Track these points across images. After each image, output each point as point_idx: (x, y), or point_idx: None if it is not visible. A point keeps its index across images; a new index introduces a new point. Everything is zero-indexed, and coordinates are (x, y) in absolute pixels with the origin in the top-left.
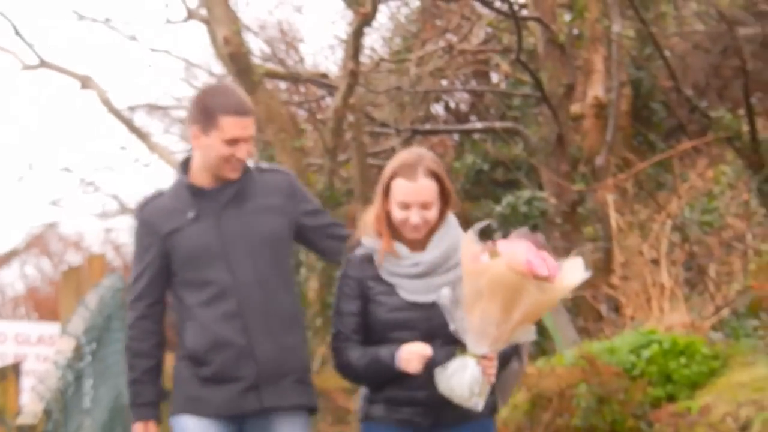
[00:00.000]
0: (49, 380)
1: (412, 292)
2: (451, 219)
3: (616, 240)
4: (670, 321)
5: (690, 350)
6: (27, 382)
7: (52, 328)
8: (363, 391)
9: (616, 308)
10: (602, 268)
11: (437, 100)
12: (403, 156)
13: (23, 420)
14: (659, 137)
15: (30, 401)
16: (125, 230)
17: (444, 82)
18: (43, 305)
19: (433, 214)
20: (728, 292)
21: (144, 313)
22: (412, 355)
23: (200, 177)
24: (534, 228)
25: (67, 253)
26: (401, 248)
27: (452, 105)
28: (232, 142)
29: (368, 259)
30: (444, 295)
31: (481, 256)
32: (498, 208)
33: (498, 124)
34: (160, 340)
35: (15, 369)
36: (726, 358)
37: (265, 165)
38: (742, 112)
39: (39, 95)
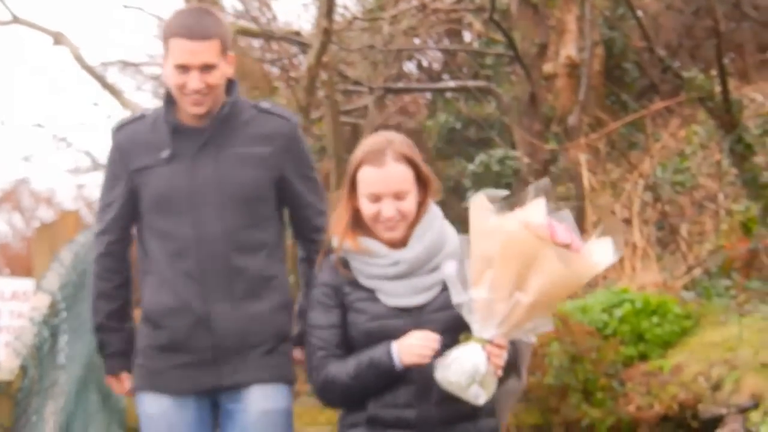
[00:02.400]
0: (25, 336)
1: (394, 295)
2: (434, 210)
3: (589, 199)
4: (643, 280)
5: (662, 310)
6: (1, 338)
7: (26, 284)
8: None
9: None
10: (575, 227)
11: (410, 58)
12: (368, 142)
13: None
14: (632, 97)
15: (6, 357)
16: (97, 187)
17: (417, 41)
18: (14, 261)
19: (409, 204)
20: (700, 251)
21: (108, 249)
22: (414, 345)
23: (182, 112)
24: (507, 187)
25: (39, 209)
26: (376, 245)
27: (425, 64)
28: (182, 68)
29: (343, 263)
30: (449, 267)
31: (492, 217)
32: (471, 167)
33: (471, 83)
34: (125, 280)
35: None
36: (698, 318)
37: (267, 105)
38: (714, 72)
39: (11, 51)
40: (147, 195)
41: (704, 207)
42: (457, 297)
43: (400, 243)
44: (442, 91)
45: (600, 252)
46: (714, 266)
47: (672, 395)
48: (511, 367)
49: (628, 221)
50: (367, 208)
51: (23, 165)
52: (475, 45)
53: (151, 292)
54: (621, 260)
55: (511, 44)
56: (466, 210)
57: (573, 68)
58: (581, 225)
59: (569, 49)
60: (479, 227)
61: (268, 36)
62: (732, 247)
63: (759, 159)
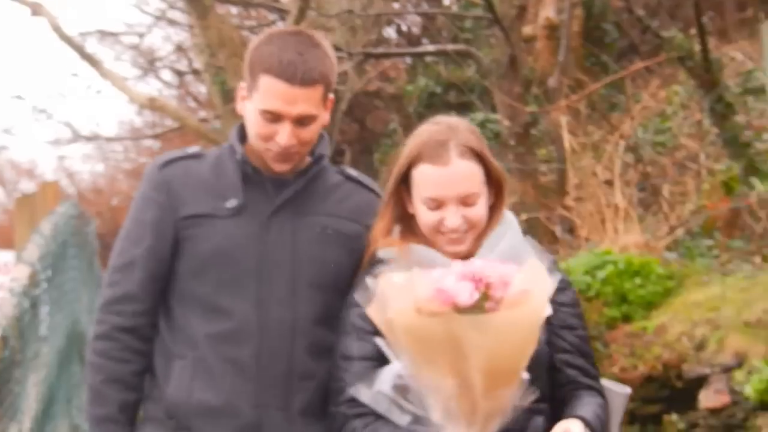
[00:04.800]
0: (5, 308)
1: None
2: (508, 216)
3: (570, 161)
4: (625, 241)
5: (645, 270)
6: None
7: (6, 256)
8: None
9: (571, 229)
10: (556, 189)
11: (389, 23)
12: (424, 130)
13: None
14: (611, 58)
15: None
16: (78, 158)
17: (396, 5)
18: None
19: (479, 211)
20: (682, 212)
21: (133, 322)
22: None
23: (256, 157)
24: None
25: (20, 182)
26: (435, 256)
27: (404, 28)
28: (271, 116)
29: None
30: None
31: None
32: None
33: (450, 47)
34: (146, 366)
35: None
36: (681, 278)
37: (353, 172)
38: (693, 31)
39: None
40: (196, 252)
41: (686, 167)
42: (404, 417)
43: (465, 257)
44: (421, 55)
45: (534, 281)
46: (696, 226)
47: (656, 356)
48: (605, 428)
49: (609, 182)
50: (425, 216)
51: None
52: (454, 8)
53: (180, 383)
54: (603, 222)
55: (489, 7)
56: None
57: (552, 30)
58: (563, 187)
59: (548, 11)
60: (379, 325)
61: (246, 3)
62: (714, 206)
63: (740, 118)
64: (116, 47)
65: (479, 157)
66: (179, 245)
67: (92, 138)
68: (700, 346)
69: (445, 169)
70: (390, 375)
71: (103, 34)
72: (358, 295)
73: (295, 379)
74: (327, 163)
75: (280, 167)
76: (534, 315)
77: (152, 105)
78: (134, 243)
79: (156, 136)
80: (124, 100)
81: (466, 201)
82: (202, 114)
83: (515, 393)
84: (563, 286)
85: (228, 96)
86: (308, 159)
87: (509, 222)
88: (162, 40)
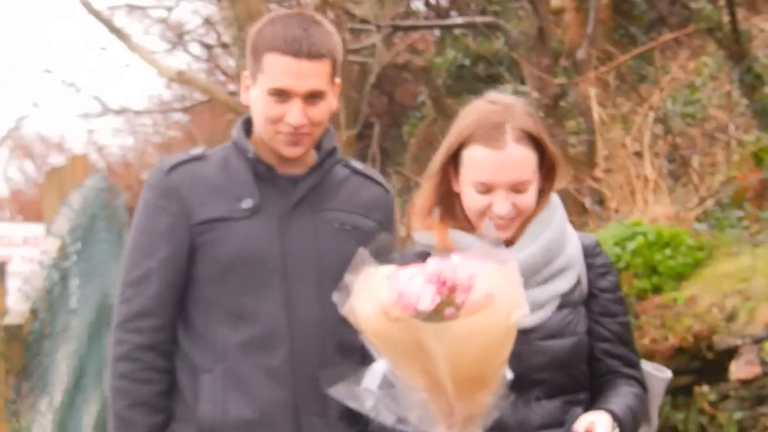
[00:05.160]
0: (35, 280)
1: None
2: (554, 201)
3: (599, 133)
4: (655, 213)
5: (675, 242)
6: (13, 284)
7: (37, 229)
8: None
9: (600, 201)
10: (586, 161)
11: None
12: (478, 108)
13: (10, 320)
14: (640, 30)
15: (16, 301)
16: (107, 131)
17: None
18: (27, 207)
19: (528, 198)
20: (712, 183)
21: (153, 339)
22: None
23: (264, 150)
24: None
25: (50, 155)
26: (474, 243)
27: (432, 0)
28: (280, 94)
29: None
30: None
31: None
32: None
33: (479, 19)
34: (170, 383)
35: (0, 270)
36: (711, 249)
37: (359, 165)
38: (722, 2)
39: None
40: (216, 257)
41: (715, 138)
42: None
43: (508, 243)
44: (450, 27)
45: (502, 285)
46: (726, 197)
47: (686, 327)
48: (640, 418)
49: (639, 154)
50: (472, 199)
51: (33, 111)
52: None
53: (213, 400)
54: (632, 193)
55: None
56: None
57: (581, 2)
58: (592, 159)
59: None
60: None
61: None
62: (744, 177)
63: None
64: (144, 21)
65: (535, 142)
66: (195, 252)
67: (121, 111)
68: (731, 317)
69: (499, 153)
70: (378, 372)
71: (132, 8)
72: (335, 295)
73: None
74: (340, 157)
75: (292, 151)
76: (498, 320)
77: (181, 78)
78: (147, 255)
79: (185, 110)
80: (152, 74)
81: (517, 188)
82: (231, 87)
83: (495, 395)
84: (605, 271)
85: None
86: (314, 154)
87: (554, 206)
88: (190, 14)
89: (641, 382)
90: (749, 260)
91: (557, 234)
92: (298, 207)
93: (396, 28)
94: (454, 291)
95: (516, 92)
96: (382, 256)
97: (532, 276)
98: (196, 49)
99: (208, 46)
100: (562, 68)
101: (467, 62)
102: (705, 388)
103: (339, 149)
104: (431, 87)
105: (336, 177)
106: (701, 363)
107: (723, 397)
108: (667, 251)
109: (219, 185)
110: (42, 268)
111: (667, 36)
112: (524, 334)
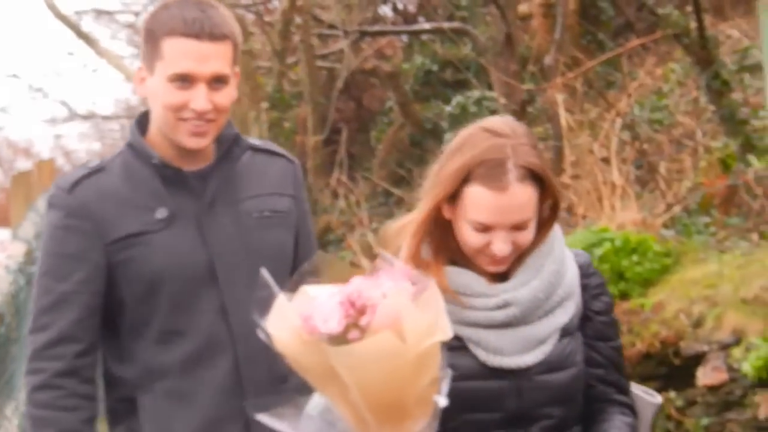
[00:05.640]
0: (1, 285)
1: (497, 352)
2: (555, 231)
3: (566, 139)
4: (622, 219)
5: (642, 248)
6: None
7: (2, 234)
8: None
9: (568, 207)
10: (553, 167)
11: (385, 1)
12: (481, 143)
13: None
14: (608, 36)
15: None
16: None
17: None
18: None
19: (529, 235)
20: (679, 189)
21: (72, 365)
22: None
23: (163, 148)
24: None
25: (16, 160)
26: (473, 279)
27: (400, 6)
28: (182, 80)
29: None
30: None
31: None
32: (448, 109)
33: (446, 25)
34: (95, 412)
35: None
36: (678, 255)
37: (256, 141)
38: (689, 8)
39: None
40: (138, 275)
41: (682, 144)
42: None
43: (504, 275)
44: (417, 33)
45: (409, 306)
46: (693, 203)
47: (653, 333)
48: None
49: (606, 160)
50: (470, 237)
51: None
52: None
53: (157, 419)
54: (600, 199)
55: None
56: (443, 154)
57: (548, 7)
58: (559, 165)
59: None
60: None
61: None
62: (711, 183)
63: (736, 95)
64: (112, 26)
65: (537, 178)
66: (114, 272)
67: (88, 117)
68: (698, 324)
69: (501, 195)
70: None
71: (99, 13)
72: (254, 313)
73: (278, 383)
74: (247, 143)
75: (197, 142)
76: (400, 344)
77: None
78: (60, 279)
79: None
80: (120, 79)
81: (517, 227)
82: None
83: (426, 423)
84: (599, 291)
85: None
86: (212, 146)
87: (556, 235)
88: None
89: (633, 409)
90: (716, 266)
91: (558, 264)
92: (214, 204)
93: (364, 34)
94: (363, 313)
95: (483, 98)
96: (315, 275)
97: (536, 310)
98: None
99: None
100: (530, 74)
101: (435, 68)
102: (672, 394)
103: (241, 136)
104: (399, 92)
105: (241, 162)
106: (668, 369)
107: (690, 403)
108: (635, 257)
109: (128, 197)
110: (8, 272)
111: (635, 42)
112: (525, 370)
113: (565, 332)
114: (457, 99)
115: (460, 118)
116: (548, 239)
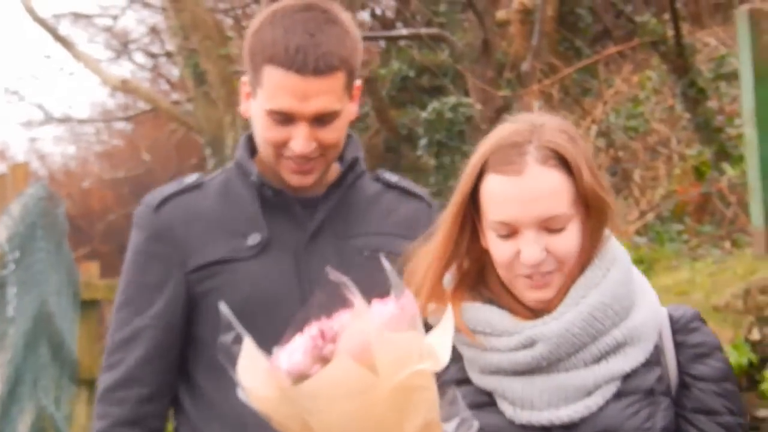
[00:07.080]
0: None
1: (524, 403)
2: (612, 247)
3: None
4: None
5: None
6: None
7: None
8: None
9: None
10: None
11: (363, 7)
12: (500, 129)
13: None
14: (585, 43)
15: None
16: (50, 140)
17: None
18: None
19: (568, 241)
20: (653, 196)
21: (135, 412)
22: None
23: (271, 170)
24: (460, 134)
25: None
26: (494, 314)
27: (378, 12)
28: (281, 118)
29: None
30: None
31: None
32: (424, 115)
33: (424, 31)
34: None
35: None
36: (650, 263)
37: (393, 177)
38: (667, 16)
39: None
40: (220, 309)
41: (657, 152)
42: None
43: (550, 307)
44: (395, 39)
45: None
46: (666, 211)
47: None
48: None
49: None
50: (497, 249)
51: None
52: None
53: None
54: None
55: None
56: (419, 158)
57: (526, 14)
58: None
59: None
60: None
61: None
62: (685, 191)
63: (712, 103)
64: (89, 29)
65: (567, 165)
66: (195, 305)
67: (64, 120)
68: None
69: (517, 180)
70: None
71: (77, 16)
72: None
73: None
74: (363, 168)
75: (300, 181)
76: (370, 374)
77: (125, 87)
78: (137, 312)
79: (128, 119)
80: (96, 83)
81: (548, 225)
82: (175, 96)
83: None
84: (703, 352)
85: (200, 79)
86: (337, 167)
87: (614, 254)
88: (136, 23)
89: None
90: (688, 274)
91: (609, 297)
92: (319, 235)
93: None
94: (334, 342)
95: (459, 104)
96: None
97: (573, 351)
98: (140, 58)
99: (152, 55)
100: (506, 80)
101: (412, 73)
102: None
103: (362, 159)
104: (375, 98)
105: (364, 194)
106: None
107: None
108: None
109: (219, 219)
110: None
111: (612, 49)
112: (566, 430)
113: (630, 389)
114: (433, 105)
115: (436, 124)
116: (601, 263)
